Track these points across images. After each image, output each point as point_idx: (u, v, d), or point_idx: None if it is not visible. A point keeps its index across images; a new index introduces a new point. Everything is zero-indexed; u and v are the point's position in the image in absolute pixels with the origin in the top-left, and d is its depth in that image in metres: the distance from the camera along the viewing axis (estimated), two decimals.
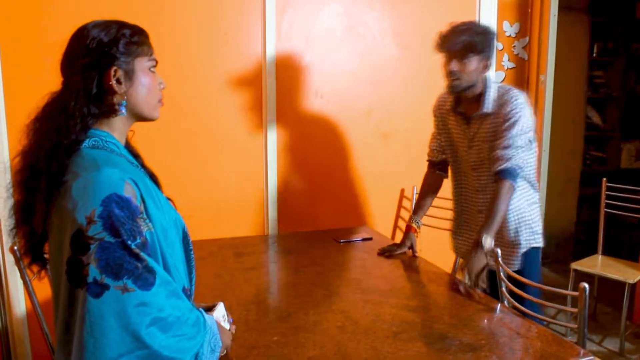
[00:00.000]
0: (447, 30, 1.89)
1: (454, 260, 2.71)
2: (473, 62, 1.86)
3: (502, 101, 1.89)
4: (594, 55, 4.32)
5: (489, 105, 1.90)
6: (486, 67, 1.90)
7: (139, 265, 0.99)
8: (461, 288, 1.76)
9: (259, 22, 2.60)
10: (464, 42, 1.83)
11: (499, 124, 1.89)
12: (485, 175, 2.00)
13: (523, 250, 2.00)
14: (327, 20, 2.73)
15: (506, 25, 3.30)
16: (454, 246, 2.27)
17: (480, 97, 1.93)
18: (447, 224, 2.65)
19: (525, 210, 1.99)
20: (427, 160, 2.25)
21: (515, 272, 1.81)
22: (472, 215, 2.10)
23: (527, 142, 1.86)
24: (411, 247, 2.18)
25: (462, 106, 2.02)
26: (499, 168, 1.84)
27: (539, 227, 2.04)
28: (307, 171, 2.80)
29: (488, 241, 1.79)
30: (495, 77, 2.97)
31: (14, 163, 1.08)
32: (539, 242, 2.03)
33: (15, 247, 1.63)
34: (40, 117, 1.08)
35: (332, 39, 2.75)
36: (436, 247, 2.55)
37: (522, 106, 1.85)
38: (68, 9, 2.28)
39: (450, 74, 1.89)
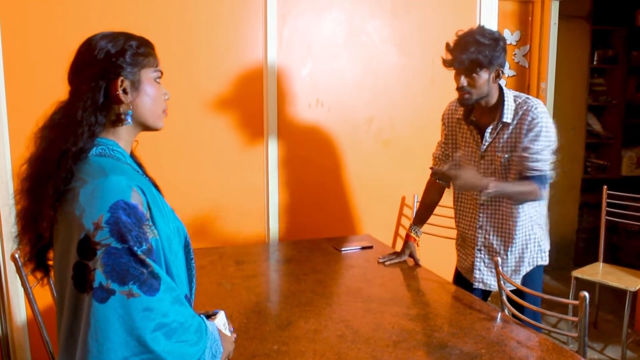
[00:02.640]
0: (452, 44, 1.83)
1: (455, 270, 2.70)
2: (482, 76, 1.81)
3: (522, 111, 1.84)
4: (595, 62, 4.33)
5: (508, 115, 1.85)
6: (498, 76, 1.85)
7: (145, 271, 1.00)
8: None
9: (261, 30, 2.61)
10: (471, 59, 1.78)
11: (519, 134, 1.84)
12: None
13: (529, 268, 1.96)
14: (329, 29, 2.74)
15: (507, 33, 3.32)
16: (457, 259, 2.20)
17: (496, 107, 1.88)
18: (448, 232, 2.65)
19: (533, 229, 1.95)
20: (431, 169, 2.19)
21: (515, 289, 1.80)
22: (470, 231, 2.04)
23: (552, 155, 1.84)
24: (411, 256, 2.17)
25: (475, 115, 1.97)
26: (530, 175, 1.81)
27: (546, 245, 2.00)
28: (308, 179, 2.80)
29: (491, 186, 1.74)
30: None
31: (19, 170, 1.10)
32: (544, 259, 1.99)
33: (17, 255, 1.64)
34: (49, 125, 1.10)
35: (333, 47, 2.76)
36: (437, 256, 2.55)
37: (542, 115, 1.82)
38: (71, 19, 2.29)
39: (460, 89, 1.85)
